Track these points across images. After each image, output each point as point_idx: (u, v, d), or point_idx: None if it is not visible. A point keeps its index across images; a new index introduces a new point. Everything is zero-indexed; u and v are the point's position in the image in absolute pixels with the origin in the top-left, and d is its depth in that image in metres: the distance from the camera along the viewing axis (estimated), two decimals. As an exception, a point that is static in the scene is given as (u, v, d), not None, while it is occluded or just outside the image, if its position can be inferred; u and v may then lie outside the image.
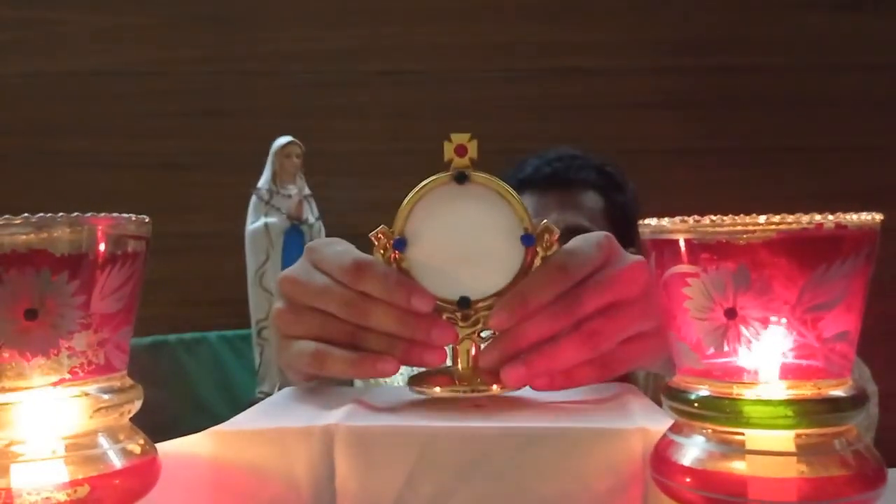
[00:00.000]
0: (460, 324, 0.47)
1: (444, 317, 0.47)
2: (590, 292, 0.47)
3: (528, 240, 0.47)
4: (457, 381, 0.48)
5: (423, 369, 0.50)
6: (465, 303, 0.47)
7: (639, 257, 0.50)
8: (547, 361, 0.47)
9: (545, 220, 0.49)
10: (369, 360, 0.48)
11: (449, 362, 0.49)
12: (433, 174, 0.50)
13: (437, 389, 0.48)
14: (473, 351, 0.48)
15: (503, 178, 0.50)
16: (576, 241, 0.49)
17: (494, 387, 0.47)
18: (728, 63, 1.63)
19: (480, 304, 0.47)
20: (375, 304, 0.47)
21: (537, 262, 0.47)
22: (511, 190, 0.48)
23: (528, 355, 0.47)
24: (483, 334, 0.48)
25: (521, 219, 0.47)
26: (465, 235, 0.47)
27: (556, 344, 0.47)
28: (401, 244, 0.47)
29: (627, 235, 1.10)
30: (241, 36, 1.65)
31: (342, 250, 0.50)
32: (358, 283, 0.48)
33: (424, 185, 0.48)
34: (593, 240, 0.50)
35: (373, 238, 0.49)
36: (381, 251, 0.48)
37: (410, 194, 0.48)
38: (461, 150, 0.48)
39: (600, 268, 0.49)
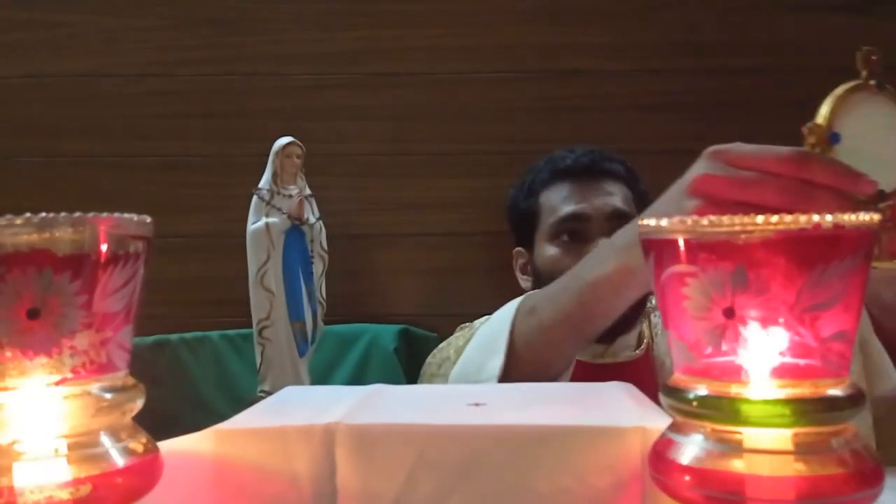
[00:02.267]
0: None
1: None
2: None
3: None
4: (881, 259, 0.51)
5: None
6: (880, 195, 0.50)
7: None
8: None
9: None
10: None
11: None
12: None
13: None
14: (889, 236, 0.51)
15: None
16: None
17: None
18: (727, 65, 1.63)
19: (892, 198, 0.51)
20: (818, 190, 0.49)
21: None
22: None
23: None
24: None
25: None
26: (883, 135, 0.52)
27: None
28: (836, 137, 0.51)
29: None
30: (241, 38, 1.65)
31: (765, 146, 0.53)
32: (802, 170, 0.50)
33: (848, 88, 0.52)
34: None
35: (805, 131, 0.53)
36: (811, 143, 0.51)
37: (835, 93, 0.52)
38: (873, 64, 0.52)
39: None
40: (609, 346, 1.09)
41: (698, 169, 0.55)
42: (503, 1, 1.65)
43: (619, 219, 1.06)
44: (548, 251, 1.11)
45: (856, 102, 0.52)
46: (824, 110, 0.52)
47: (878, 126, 0.52)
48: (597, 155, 1.15)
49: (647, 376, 1.04)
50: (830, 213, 0.48)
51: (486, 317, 1.20)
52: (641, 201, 1.13)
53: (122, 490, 0.37)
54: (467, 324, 1.17)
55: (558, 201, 1.12)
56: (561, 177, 1.13)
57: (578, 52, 1.63)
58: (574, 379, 1.08)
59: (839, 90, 0.52)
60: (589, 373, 1.10)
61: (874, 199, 0.51)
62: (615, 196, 1.10)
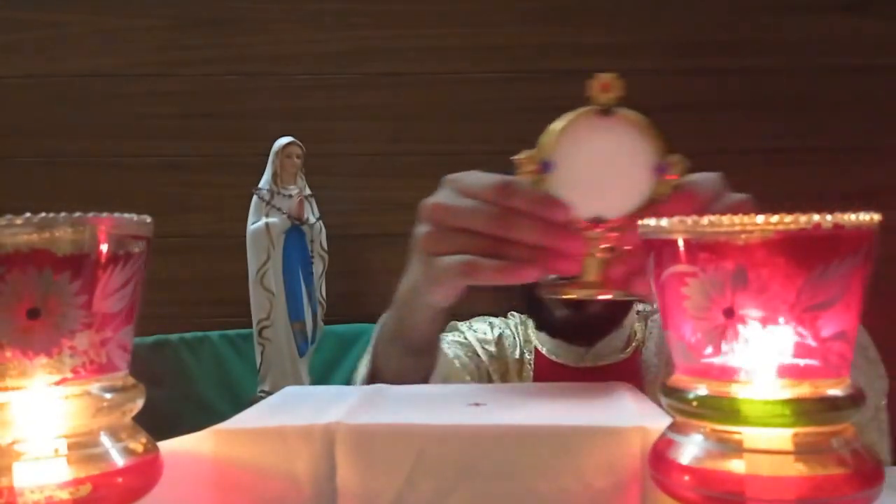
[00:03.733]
0: (589, 239, 0.52)
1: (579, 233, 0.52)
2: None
3: (660, 169, 0.51)
4: (584, 288, 0.53)
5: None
6: (597, 221, 0.51)
7: (746, 194, 0.55)
8: None
9: (675, 155, 0.53)
10: (514, 266, 0.52)
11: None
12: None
13: (563, 290, 0.54)
14: (598, 264, 0.53)
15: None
16: (697, 175, 0.54)
17: (614, 294, 0.53)
18: (727, 65, 1.63)
19: (610, 224, 0.52)
20: (521, 218, 0.52)
21: (666, 189, 0.52)
22: (650, 123, 0.53)
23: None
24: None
25: (656, 151, 0.52)
26: (604, 162, 0.52)
27: None
28: (548, 166, 0.52)
29: None
30: (241, 38, 1.65)
31: (485, 174, 0.55)
32: (504, 198, 0.53)
33: (572, 116, 0.53)
34: (711, 175, 0.55)
35: (516, 161, 0.54)
36: (525, 172, 0.53)
37: (557, 123, 0.53)
38: (606, 87, 0.53)
39: (715, 199, 0.53)
40: (590, 348, 1.09)
41: (433, 196, 0.57)
42: (503, 1, 1.65)
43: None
44: None
45: (578, 130, 0.53)
46: (542, 139, 0.53)
47: (600, 153, 0.52)
48: None
49: (632, 380, 1.04)
50: (533, 240, 0.52)
51: (477, 319, 1.21)
52: None
53: (122, 490, 0.37)
54: (455, 322, 1.19)
55: None
56: None
57: (577, 52, 1.63)
58: (537, 374, 1.09)
59: (560, 120, 0.53)
60: (570, 376, 1.10)
61: (593, 226, 0.52)
62: None
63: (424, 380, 0.76)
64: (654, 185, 0.51)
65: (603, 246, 0.52)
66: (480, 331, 1.17)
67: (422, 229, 0.58)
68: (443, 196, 0.57)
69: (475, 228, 0.54)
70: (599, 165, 0.52)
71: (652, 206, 0.51)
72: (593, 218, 0.51)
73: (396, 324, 0.74)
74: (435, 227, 0.57)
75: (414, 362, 0.76)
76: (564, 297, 0.54)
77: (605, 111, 0.53)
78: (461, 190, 0.56)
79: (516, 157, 0.53)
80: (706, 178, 0.54)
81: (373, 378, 0.76)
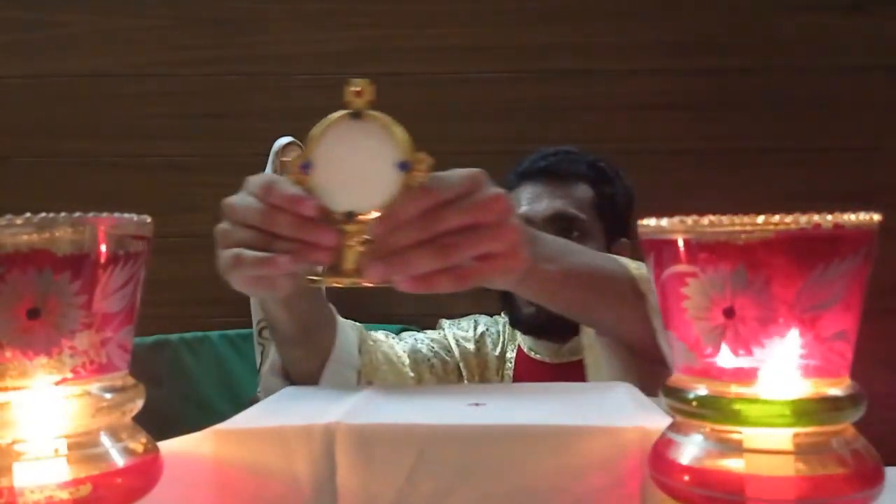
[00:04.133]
0: (348, 233, 0.56)
1: (337, 226, 0.56)
2: (448, 212, 0.57)
3: (403, 166, 0.56)
4: (340, 276, 0.57)
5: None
6: (349, 215, 0.56)
7: (501, 190, 0.59)
8: (403, 264, 0.56)
9: (421, 153, 0.57)
10: (273, 258, 0.57)
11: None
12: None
13: (324, 280, 0.59)
14: (353, 255, 0.57)
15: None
16: (447, 172, 0.59)
17: (366, 283, 0.57)
18: (728, 64, 1.63)
19: (362, 217, 0.56)
20: (280, 214, 0.57)
21: (413, 185, 0.56)
22: (398, 125, 0.57)
23: (390, 258, 0.56)
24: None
25: (401, 150, 0.56)
26: (356, 161, 0.57)
27: (413, 251, 0.56)
28: (306, 167, 0.57)
29: (617, 224, 1.14)
30: (241, 38, 1.65)
31: (264, 175, 0.62)
32: (267, 196, 0.58)
33: (327, 120, 0.58)
34: (463, 171, 0.59)
35: (285, 163, 0.63)
36: (292, 173, 0.58)
37: (316, 127, 0.58)
38: (359, 93, 0.58)
39: (465, 194, 0.57)
40: (563, 344, 1.12)
41: (232, 197, 0.62)
42: (503, 1, 1.65)
43: (561, 221, 1.11)
44: None
45: (333, 133, 0.58)
46: (306, 142, 0.58)
47: (353, 153, 0.57)
48: (559, 157, 1.19)
49: None
50: (290, 234, 0.56)
51: (466, 317, 1.23)
52: (609, 199, 1.16)
53: (121, 490, 0.37)
54: (443, 319, 1.21)
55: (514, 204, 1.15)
56: (522, 180, 1.18)
57: (578, 52, 1.63)
58: (534, 379, 1.11)
59: (319, 125, 0.58)
60: (547, 372, 1.13)
61: (345, 220, 0.56)
62: (565, 199, 1.13)
63: (318, 370, 0.81)
64: (400, 182, 0.56)
65: (361, 238, 0.57)
66: (463, 328, 1.21)
67: (218, 225, 0.62)
68: (236, 195, 0.62)
69: (250, 224, 0.59)
70: (352, 164, 0.57)
71: (399, 201, 0.55)
72: (347, 212, 0.56)
73: (265, 315, 0.81)
74: (225, 223, 0.61)
75: (295, 352, 0.82)
76: (322, 285, 0.60)
77: (357, 115, 0.58)
78: (247, 188, 0.61)
79: (285, 158, 0.62)
80: (452, 174, 0.58)
81: (281, 368, 0.83)
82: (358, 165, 0.57)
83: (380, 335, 1.05)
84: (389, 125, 0.57)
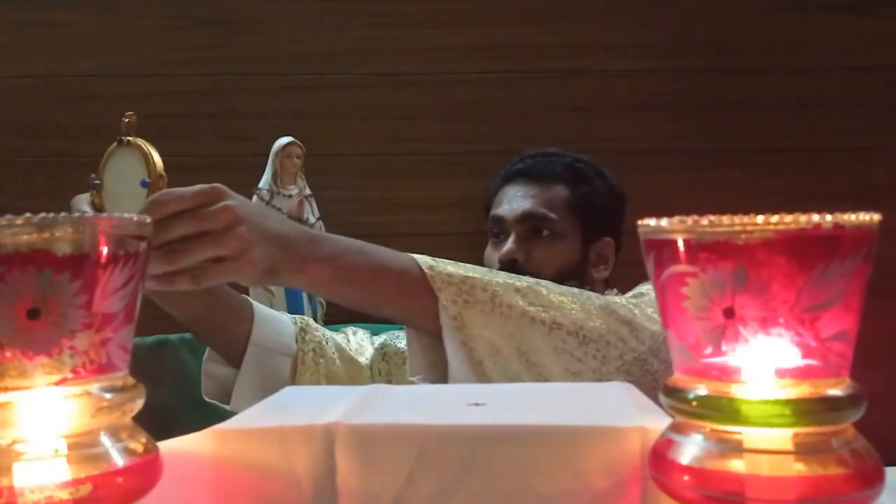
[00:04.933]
0: None
1: None
2: (178, 222, 0.67)
3: (144, 183, 0.70)
4: None
5: None
6: None
7: (233, 203, 0.71)
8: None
9: (161, 172, 0.72)
10: None
11: None
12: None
13: None
14: None
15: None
16: (177, 189, 0.69)
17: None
18: (726, 64, 1.63)
19: None
20: None
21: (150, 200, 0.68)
22: (150, 149, 0.73)
23: None
24: None
25: (147, 169, 0.71)
26: (123, 179, 0.72)
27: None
28: (94, 185, 0.74)
29: (597, 223, 1.16)
30: (241, 38, 1.65)
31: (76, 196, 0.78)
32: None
33: (110, 147, 0.75)
34: (197, 187, 0.69)
35: (90, 180, 0.76)
36: (90, 191, 0.73)
37: (106, 151, 0.75)
38: (128, 124, 0.74)
39: (195, 207, 0.68)
40: None
41: None
42: (503, 1, 1.65)
43: (530, 220, 1.15)
44: (486, 249, 1.21)
45: (113, 156, 0.75)
46: (100, 165, 0.75)
47: (121, 173, 0.72)
48: (536, 159, 1.22)
49: None
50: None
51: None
52: (584, 199, 1.18)
53: (121, 490, 0.37)
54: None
55: (496, 205, 1.21)
56: (504, 182, 1.23)
57: (578, 52, 1.63)
58: None
59: (107, 150, 0.75)
60: None
61: None
62: (537, 199, 1.17)
63: (237, 356, 0.93)
64: (144, 197, 0.69)
65: None
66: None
67: None
68: None
69: None
70: (122, 183, 0.72)
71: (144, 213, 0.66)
72: None
73: None
74: None
75: (206, 340, 0.96)
76: None
77: (123, 142, 0.74)
78: None
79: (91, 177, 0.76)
80: (181, 190, 0.68)
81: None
82: (124, 184, 0.72)
83: (348, 329, 1.13)
84: (145, 150, 0.72)
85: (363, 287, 0.81)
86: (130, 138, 0.72)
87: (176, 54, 1.65)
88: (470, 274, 0.82)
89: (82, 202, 0.73)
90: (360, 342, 1.10)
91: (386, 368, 1.07)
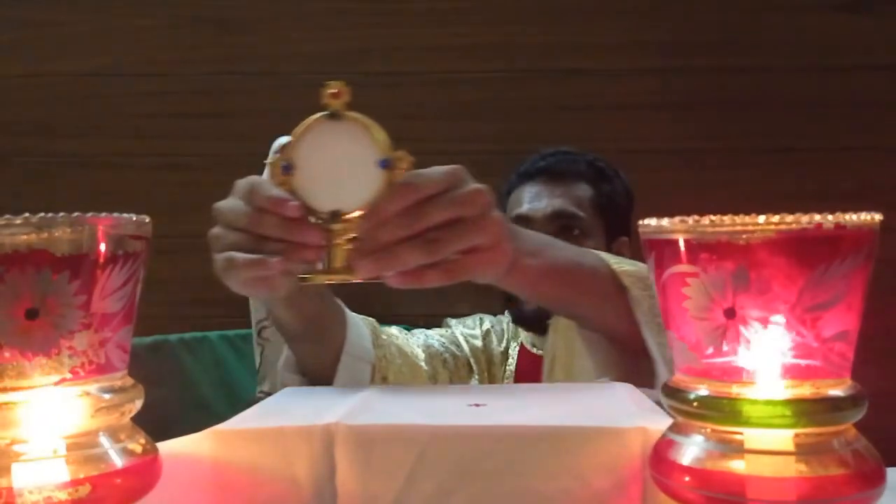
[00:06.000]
0: (335, 231, 0.57)
1: (323, 226, 0.57)
2: (432, 208, 0.58)
3: (384, 164, 0.57)
4: (329, 274, 0.58)
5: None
6: (335, 214, 0.57)
7: (480, 185, 0.60)
8: (392, 260, 0.57)
9: (400, 151, 0.58)
10: (263, 259, 0.57)
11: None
12: None
13: (314, 278, 0.59)
14: (342, 252, 0.58)
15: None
16: (428, 168, 0.59)
17: (356, 279, 0.58)
18: (727, 64, 1.62)
19: (348, 216, 0.57)
20: (265, 215, 0.58)
21: (393, 183, 0.57)
22: (376, 125, 0.59)
23: (378, 254, 0.56)
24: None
25: (381, 148, 0.58)
26: (337, 161, 0.58)
27: (401, 247, 0.56)
28: (287, 168, 0.58)
29: (617, 222, 1.16)
30: (240, 37, 1.65)
31: (250, 178, 0.61)
32: (251, 199, 0.59)
33: (306, 122, 0.59)
34: (442, 168, 0.60)
35: (267, 164, 0.61)
36: (274, 175, 0.59)
37: (296, 129, 0.59)
38: (336, 95, 0.59)
39: (447, 189, 0.58)
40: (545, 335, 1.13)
41: (222, 201, 0.63)
42: (503, 0, 1.65)
43: (561, 219, 1.13)
44: None
45: (311, 136, 0.59)
46: (287, 144, 0.59)
47: (333, 154, 0.58)
48: (557, 157, 1.20)
49: None
50: (275, 234, 0.57)
51: (472, 316, 1.24)
52: (608, 198, 1.18)
53: (120, 491, 0.37)
54: (450, 319, 1.23)
55: (515, 204, 1.19)
56: (522, 180, 1.20)
57: (578, 52, 1.63)
58: (534, 372, 1.13)
59: (299, 127, 0.59)
60: (532, 361, 1.14)
61: (330, 219, 0.57)
62: (564, 197, 1.15)
63: (331, 365, 0.82)
64: (382, 180, 0.57)
65: (347, 236, 0.57)
66: (469, 326, 1.23)
67: (210, 230, 0.63)
68: (226, 199, 0.62)
69: (239, 227, 0.60)
70: (333, 165, 0.58)
71: (382, 199, 0.57)
72: (332, 212, 0.57)
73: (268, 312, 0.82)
74: (217, 227, 0.62)
75: (304, 348, 0.82)
76: (314, 283, 0.60)
77: (335, 115, 0.59)
78: (235, 192, 0.62)
79: (267, 160, 0.61)
80: (432, 171, 0.59)
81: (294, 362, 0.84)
82: (338, 165, 0.58)
83: (393, 330, 1.06)
84: (368, 125, 0.59)
85: (565, 284, 0.72)
86: (343, 112, 0.59)
87: (176, 54, 1.65)
88: (641, 268, 0.76)
89: (265, 186, 0.59)
90: (407, 340, 1.06)
91: (431, 372, 1.05)
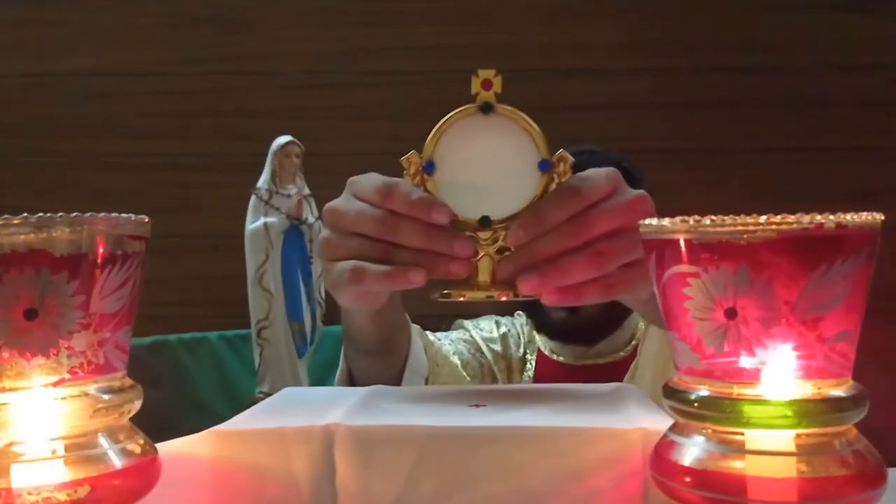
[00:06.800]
0: (481, 241, 0.51)
1: (467, 234, 0.51)
2: (599, 216, 0.51)
3: (545, 165, 0.50)
4: (476, 290, 0.51)
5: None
6: (485, 221, 0.50)
7: (642, 191, 0.55)
8: (558, 275, 0.50)
9: (561, 150, 0.52)
10: (400, 271, 0.51)
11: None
12: None
13: (457, 294, 0.52)
14: (492, 265, 0.52)
15: None
16: (587, 171, 0.53)
17: (503, 296, 0.51)
18: (727, 63, 1.63)
19: (499, 224, 0.51)
20: (403, 221, 0.51)
21: (552, 187, 0.51)
22: (531, 121, 0.52)
23: (543, 268, 0.50)
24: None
25: (539, 147, 0.51)
26: (487, 161, 0.51)
27: (567, 260, 0.50)
28: (430, 167, 0.51)
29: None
30: (240, 36, 1.65)
31: (376, 176, 0.54)
32: (386, 201, 0.52)
33: (452, 115, 0.52)
34: (603, 171, 0.53)
35: (403, 162, 0.53)
36: (411, 174, 0.52)
37: (439, 123, 0.52)
38: (487, 84, 0.52)
39: (609, 195, 0.52)
40: (589, 348, 1.11)
41: (338, 199, 0.56)
42: (502, 0, 1.65)
43: None
44: None
45: (458, 131, 0.52)
46: (428, 139, 0.52)
47: (483, 152, 0.51)
48: (586, 157, 1.15)
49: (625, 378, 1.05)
50: (416, 244, 0.50)
51: (484, 317, 1.22)
52: None
53: (119, 492, 0.36)
54: (461, 320, 1.20)
55: None
56: None
57: (578, 52, 1.63)
58: (555, 380, 1.11)
59: (444, 120, 0.52)
60: (569, 374, 1.12)
61: (479, 227, 0.51)
62: None
63: (395, 379, 0.76)
64: (540, 184, 0.51)
65: (496, 246, 0.51)
66: (486, 329, 1.19)
67: (322, 234, 0.57)
68: (340, 199, 0.56)
69: (364, 233, 0.53)
70: (482, 165, 0.51)
71: (539, 204, 0.50)
72: (482, 218, 0.51)
73: (344, 326, 0.73)
74: (332, 232, 0.56)
75: (374, 362, 0.75)
76: (457, 299, 0.52)
77: (486, 109, 0.52)
78: (355, 193, 0.55)
79: (403, 157, 0.53)
80: (596, 175, 0.53)
81: (349, 377, 0.77)
82: (489, 166, 0.51)
83: (431, 336, 1.02)
84: (524, 121, 0.52)
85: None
86: (496, 104, 0.52)
87: (176, 53, 1.65)
88: None
89: (405, 186, 0.52)
90: (442, 347, 1.03)
91: (468, 382, 1.03)
